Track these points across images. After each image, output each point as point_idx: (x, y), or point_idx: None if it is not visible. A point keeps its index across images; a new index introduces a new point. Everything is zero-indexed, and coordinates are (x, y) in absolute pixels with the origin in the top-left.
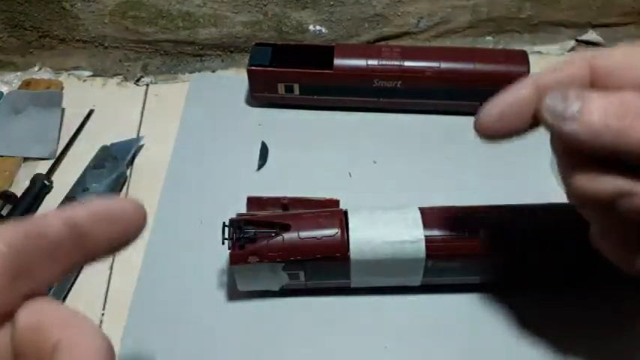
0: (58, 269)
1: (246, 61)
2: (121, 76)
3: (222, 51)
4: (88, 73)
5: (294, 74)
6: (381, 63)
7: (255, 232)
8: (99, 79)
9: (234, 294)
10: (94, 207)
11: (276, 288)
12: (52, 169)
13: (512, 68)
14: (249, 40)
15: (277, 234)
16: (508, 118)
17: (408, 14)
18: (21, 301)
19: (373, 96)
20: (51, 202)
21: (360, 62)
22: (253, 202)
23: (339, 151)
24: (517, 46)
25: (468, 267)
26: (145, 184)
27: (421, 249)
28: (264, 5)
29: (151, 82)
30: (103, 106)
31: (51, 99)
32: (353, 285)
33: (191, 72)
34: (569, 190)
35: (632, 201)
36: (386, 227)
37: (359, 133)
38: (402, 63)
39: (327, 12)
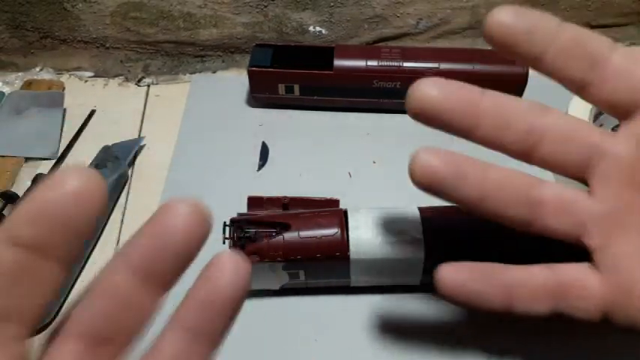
0: None
1: (247, 61)
2: (122, 77)
3: (222, 52)
4: (89, 73)
5: (294, 75)
6: (380, 64)
7: (255, 232)
8: (100, 80)
9: None
10: None
11: (276, 287)
12: (54, 169)
13: (511, 69)
14: (249, 41)
15: (278, 233)
16: None
17: (408, 15)
18: None
19: (373, 96)
20: None
21: (360, 63)
22: (254, 201)
23: (339, 151)
24: None
25: None
26: (147, 184)
27: (420, 248)
28: (265, 6)
29: (152, 83)
30: (105, 106)
31: (52, 99)
32: (353, 284)
33: (192, 73)
34: None
35: None
36: (385, 227)
37: (359, 133)
38: (401, 64)
39: (327, 13)
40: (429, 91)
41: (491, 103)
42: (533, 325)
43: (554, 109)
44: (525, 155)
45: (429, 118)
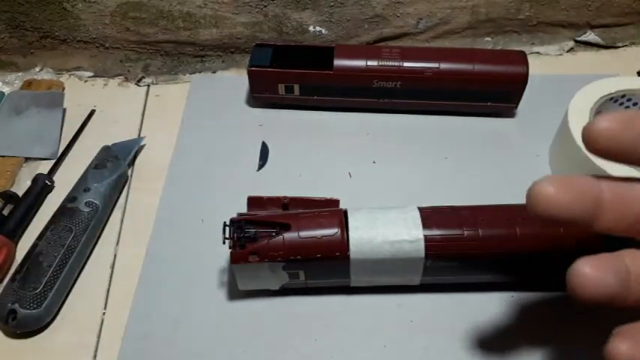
0: None
1: (247, 61)
2: (122, 77)
3: (222, 52)
4: (89, 73)
5: (294, 75)
6: (380, 63)
7: (255, 232)
8: (100, 80)
9: (234, 293)
10: None
11: (276, 287)
12: (54, 169)
13: (511, 69)
14: (249, 40)
15: (278, 233)
16: None
17: (408, 15)
18: None
19: (373, 96)
20: (52, 202)
21: (360, 63)
22: (254, 201)
23: (339, 151)
24: (516, 47)
25: (466, 266)
26: (146, 183)
27: (420, 248)
28: (265, 6)
29: (152, 83)
30: (105, 106)
31: (52, 99)
32: (353, 284)
33: (192, 72)
34: None
35: None
36: (385, 227)
37: (359, 133)
38: (401, 64)
39: (327, 13)
40: (551, 192)
41: (610, 194)
42: (537, 324)
43: None
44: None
45: (554, 218)
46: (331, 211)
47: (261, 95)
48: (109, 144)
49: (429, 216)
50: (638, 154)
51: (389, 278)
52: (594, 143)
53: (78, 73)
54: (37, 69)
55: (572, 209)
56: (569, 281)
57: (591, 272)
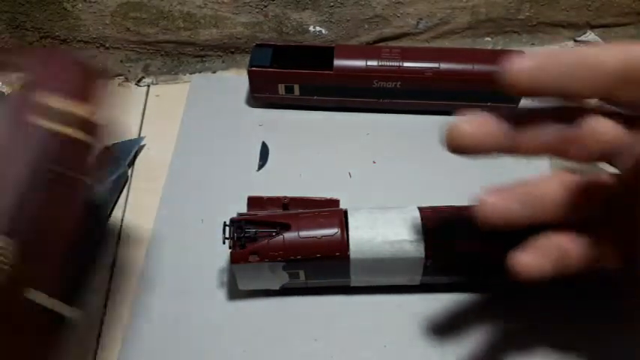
0: None
1: (247, 61)
2: (122, 77)
3: (222, 52)
4: None
5: (294, 75)
6: (380, 64)
7: (255, 232)
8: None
9: (234, 293)
10: None
11: (276, 287)
12: None
13: None
14: (249, 40)
15: (278, 233)
16: None
17: (408, 15)
18: None
19: (373, 96)
20: None
21: (360, 63)
22: (254, 201)
23: (339, 151)
24: (516, 47)
25: (467, 266)
26: (146, 183)
27: (420, 248)
28: (265, 6)
29: (152, 83)
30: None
31: None
32: (353, 284)
33: (192, 73)
34: None
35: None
36: (385, 227)
37: (359, 133)
38: (401, 64)
39: (327, 13)
40: (462, 128)
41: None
42: (537, 324)
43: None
44: (562, 154)
45: (467, 152)
46: (331, 211)
47: (261, 95)
48: (109, 144)
49: (429, 216)
50: (564, 87)
51: (389, 278)
52: (516, 84)
53: None
54: None
55: (491, 134)
56: (475, 210)
57: (496, 201)
